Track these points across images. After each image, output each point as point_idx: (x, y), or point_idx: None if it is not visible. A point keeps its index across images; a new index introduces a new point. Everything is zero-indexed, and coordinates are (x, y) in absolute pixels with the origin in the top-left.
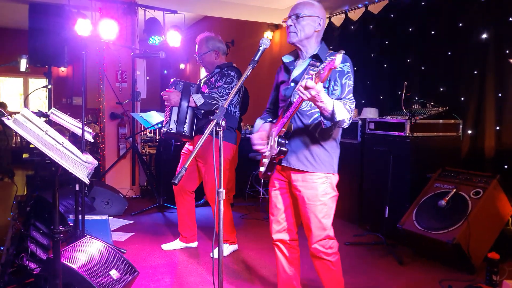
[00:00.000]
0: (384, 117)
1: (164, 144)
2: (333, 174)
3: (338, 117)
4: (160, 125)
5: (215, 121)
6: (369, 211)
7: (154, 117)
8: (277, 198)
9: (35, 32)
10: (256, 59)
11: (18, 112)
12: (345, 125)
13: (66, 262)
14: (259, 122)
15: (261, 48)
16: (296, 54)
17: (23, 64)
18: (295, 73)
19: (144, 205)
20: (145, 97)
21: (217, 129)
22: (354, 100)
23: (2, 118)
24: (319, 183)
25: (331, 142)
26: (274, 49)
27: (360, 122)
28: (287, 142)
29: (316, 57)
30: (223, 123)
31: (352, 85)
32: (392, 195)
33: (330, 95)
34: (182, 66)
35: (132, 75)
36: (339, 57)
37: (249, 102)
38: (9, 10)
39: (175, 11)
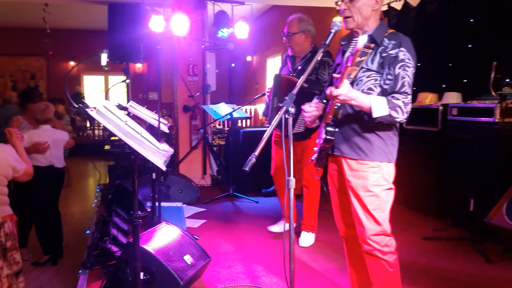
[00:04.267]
0: (469, 102)
1: (233, 135)
2: (388, 162)
3: (376, 114)
4: (229, 116)
5: (285, 108)
6: (451, 203)
7: (223, 109)
8: (334, 189)
9: (114, 31)
10: (327, 42)
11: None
12: (399, 120)
13: (144, 246)
14: (315, 100)
15: (332, 31)
16: (352, 34)
17: (104, 58)
18: (347, 54)
19: (214, 193)
20: (214, 90)
21: (287, 116)
22: (409, 93)
23: (86, 109)
24: (370, 173)
25: (386, 129)
26: (342, 34)
27: (441, 108)
28: (336, 130)
29: (370, 39)
30: (292, 110)
31: (410, 76)
32: (478, 186)
33: (384, 84)
34: (249, 58)
35: (203, 68)
36: (361, 39)
37: None
38: (90, 12)
39: (243, 2)
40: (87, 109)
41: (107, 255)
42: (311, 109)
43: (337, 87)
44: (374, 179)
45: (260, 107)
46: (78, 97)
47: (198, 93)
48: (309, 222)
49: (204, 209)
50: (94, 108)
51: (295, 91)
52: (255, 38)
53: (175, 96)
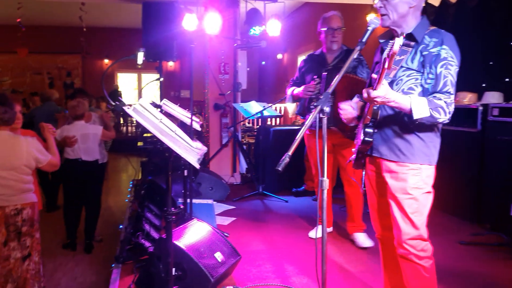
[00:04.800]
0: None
1: (263, 134)
2: (428, 165)
3: (416, 115)
4: (259, 115)
5: (319, 107)
6: (491, 208)
7: (254, 107)
8: (371, 190)
9: (148, 29)
10: (364, 40)
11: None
12: (441, 120)
13: (176, 243)
14: (355, 99)
15: (369, 28)
16: (391, 32)
17: (140, 57)
18: (385, 54)
19: (244, 191)
20: (245, 88)
21: (321, 115)
22: (452, 93)
23: (123, 107)
24: (409, 175)
25: (428, 130)
26: (378, 32)
27: (480, 108)
28: (375, 131)
29: (410, 37)
30: (327, 109)
31: (453, 75)
32: None
33: (425, 84)
34: (279, 56)
35: (234, 66)
36: (397, 41)
37: None
38: (124, 10)
39: (276, 0)
40: (124, 107)
41: (139, 250)
42: (347, 108)
43: (374, 89)
44: (413, 181)
45: (290, 106)
46: (115, 94)
47: (229, 91)
48: (358, 223)
49: (233, 207)
50: (130, 106)
51: (330, 90)
52: (286, 35)
53: (206, 94)
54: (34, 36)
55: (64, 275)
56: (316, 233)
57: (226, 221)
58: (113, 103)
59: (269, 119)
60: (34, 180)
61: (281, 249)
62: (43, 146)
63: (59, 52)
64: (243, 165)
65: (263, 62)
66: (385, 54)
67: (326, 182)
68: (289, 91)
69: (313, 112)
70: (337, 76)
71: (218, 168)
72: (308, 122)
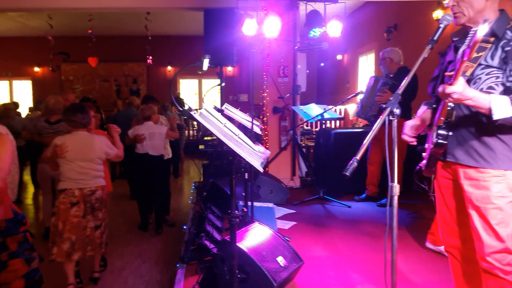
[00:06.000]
0: None
1: (323, 136)
2: None
3: (497, 116)
4: (320, 117)
5: (389, 109)
6: None
7: (314, 110)
8: (442, 198)
9: (209, 36)
10: (435, 38)
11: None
12: None
13: (238, 245)
14: (422, 108)
15: (441, 26)
16: (465, 29)
17: (206, 63)
18: (461, 50)
19: (304, 195)
20: (304, 90)
21: (391, 118)
22: None
23: (190, 112)
24: (492, 182)
25: (511, 132)
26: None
27: None
28: (450, 133)
29: (490, 32)
30: (398, 111)
31: None
32: None
33: (507, 82)
34: (339, 57)
35: (293, 69)
36: (481, 28)
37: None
38: (185, 19)
39: (336, 1)
40: (191, 112)
41: (203, 251)
42: (410, 133)
43: (451, 84)
44: (497, 189)
45: (350, 107)
46: (179, 100)
47: (288, 94)
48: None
49: (294, 211)
50: (196, 111)
51: (400, 91)
52: (347, 36)
53: (265, 97)
54: (103, 46)
55: (131, 273)
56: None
57: (287, 225)
58: (181, 109)
59: (328, 122)
60: (105, 169)
61: (344, 256)
62: (111, 142)
63: (125, 61)
64: (302, 168)
65: (322, 64)
66: (464, 46)
67: (396, 188)
68: None
69: (382, 115)
70: (406, 78)
71: (277, 172)
72: (377, 125)
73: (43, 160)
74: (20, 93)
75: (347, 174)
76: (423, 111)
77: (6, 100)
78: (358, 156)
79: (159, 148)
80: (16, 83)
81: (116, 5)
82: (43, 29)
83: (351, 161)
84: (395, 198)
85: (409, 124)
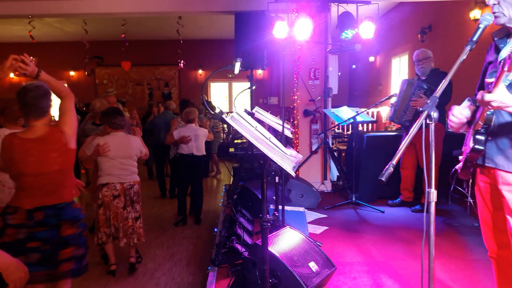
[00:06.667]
0: None
1: (356, 140)
2: None
3: None
4: (352, 120)
5: (426, 112)
6: None
7: (346, 113)
8: (484, 203)
9: (240, 39)
10: (474, 39)
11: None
12: None
13: (270, 249)
14: (465, 103)
15: (481, 26)
16: (507, 29)
17: (237, 66)
18: (503, 53)
19: (335, 200)
20: (336, 93)
21: (428, 121)
22: None
23: (222, 116)
24: None
25: None
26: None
27: None
28: (488, 138)
29: None
30: (435, 115)
31: None
32: None
33: None
34: (371, 59)
35: (325, 71)
36: None
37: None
38: (216, 22)
39: (369, 2)
40: (222, 116)
41: (234, 254)
42: (458, 115)
43: (490, 92)
44: None
45: (383, 110)
46: (209, 104)
47: (319, 97)
48: None
49: (325, 216)
50: (228, 114)
51: (438, 93)
52: (379, 37)
53: (296, 100)
54: (136, 50)
55: (163, 274)
56: None
57: (318, 230)
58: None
59: (359, 125)
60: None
61: (378, 262)
62: None
63: (157, 64)
64: (334, 172)
65: (354, 66)
66: (504, 54)
67: (433, 194)
68: None
69: (419, 118)
70: (444, 80)
71: (307, 175)
72: (414, 129)
73: (81, 158)
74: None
75: (383, 179)
76: (466, 106)
77: None
78: (394, 161)
79: (202, 149)
80: None
81: (149, 9)
82: (79, 34)
83: (387, 166)
84: (433, 204)
85: (458, 108)
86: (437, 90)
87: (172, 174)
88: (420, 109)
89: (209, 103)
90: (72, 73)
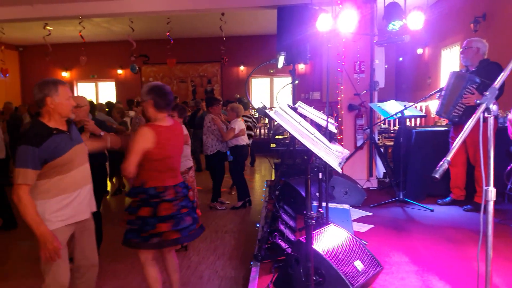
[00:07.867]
0: None
1: (404, 135)
2: None
3: None
4: (400, 115)
5: (484, 105)
6: None
7: (393, 107)
8: None
9: (283, 33)
10: None
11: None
12: None
13: (314, 247)
14: None
15: None
16: None
17: (281, 60)
18: None
19: (382, 198)
20: (383, 86)
21: (486, 115)
22: None
23: (265, 111)
24: None
25: None
26: None
27: None
28: None
29: None
30: (494, 108)
31: None
32: None
33: None
34: (419, 51)
35: (370, 64)
36: None
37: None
38: (258, 18)
39: None
40: (266, 110)
41: (277, 250)
42: None
43: None
44: None
45: (432, 104)
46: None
47: (364, 91)
48: None
49: (371, 214)
50: (271, 109)
51: (497, 84)
52: (428, 28)
53: (340, 95)
54: (180, 48)
55: (206, 268)
56: None
57: (364, 228)
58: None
59: (408, 119)
60: None
61: (428, 262)
62: None
63: (201, 62)
64: (380, 169)
65: (400, 58)
66: None
67: (492, 192)
68: None
69: (476, 111)
70: (503, 72)
71: (352, 172)
72: (471, 122)
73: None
74: (105, 94)
75: (437, 176)
76: None
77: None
78: (449, 157)
79: (247, 139)
80: (101, 84)
81: (192, 7)
82: (125, 33)
83: (441, 162)
84: (491, 204)
85: None
86: (497, 81)
87: (218, 168)
88: (478, 101)
89: (241, 100)
90: (119, 71)
